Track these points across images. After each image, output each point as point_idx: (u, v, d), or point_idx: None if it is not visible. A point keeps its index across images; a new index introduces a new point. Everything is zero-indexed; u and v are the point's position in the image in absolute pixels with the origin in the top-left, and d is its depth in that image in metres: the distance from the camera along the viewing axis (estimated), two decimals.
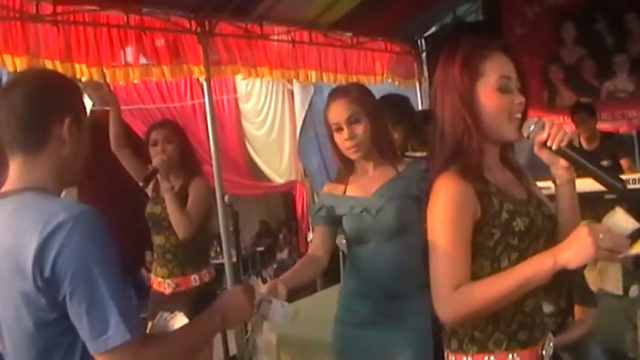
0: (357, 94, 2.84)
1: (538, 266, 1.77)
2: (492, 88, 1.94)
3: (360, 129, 2.78)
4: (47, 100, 1.83)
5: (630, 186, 5.57)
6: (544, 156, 1.95)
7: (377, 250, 2.83)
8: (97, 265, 1.65)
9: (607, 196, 5.32)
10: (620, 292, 1.84)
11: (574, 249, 1.72)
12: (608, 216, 1.80)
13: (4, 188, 1.82)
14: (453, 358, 1.99)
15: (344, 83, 7.30)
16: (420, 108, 8.31)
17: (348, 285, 3.01)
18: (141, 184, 3.92)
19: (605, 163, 6.12)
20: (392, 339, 2.80)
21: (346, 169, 2.93)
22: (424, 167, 2.80)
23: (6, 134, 1.82)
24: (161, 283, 4.09)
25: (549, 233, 2.00)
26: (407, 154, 4.06)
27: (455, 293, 1.81)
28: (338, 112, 2.80)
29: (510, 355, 1.93)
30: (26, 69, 4.12)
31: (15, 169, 1.83)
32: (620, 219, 1.77)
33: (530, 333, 1.97)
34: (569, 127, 6.89)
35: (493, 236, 1.89)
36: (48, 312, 1.67)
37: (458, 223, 1.86)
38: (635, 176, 5.71)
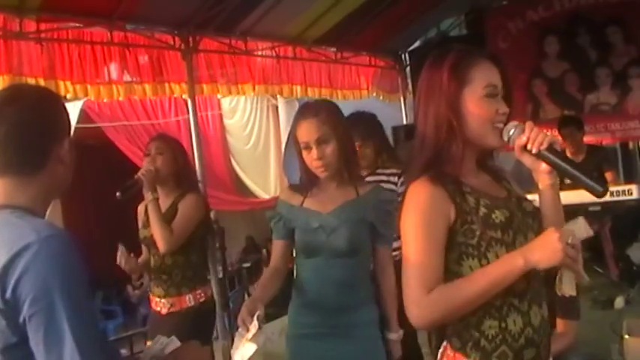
0: (328, 115, 2.88)
1: (509, 265, 1.80)
2: (479, 95, 1.93)
3: (329, 150, 2.84)
4: (48, 120, 1.76)
5: (614, 198, 5.61)
6: (525, 160, 1.94)
7: (326, 265, 2.90)
8: (59, 292, 1.58)
9: (591, 209, 5.37)
10: (574, 293, 1.87)
11: (544, 252, 1.76)
12: (571, 223, 1.85)
13: None
14: (452, 354, 1.97)
15: (329, 99, 7.35)
16: (404, 122, 8.35)
17: (297, 299, 3.05)
18: (118, 195, 3.84)
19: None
20: (344, 348, 2.88)
21: (309, 183, 2.97)
22: (385, 198, 2.98)
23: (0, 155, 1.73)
24: (158, 303, 4.05)
25: (536, 231, 1.98)
26: (378, 170, 4.11)
27: (428, 297, 1.82)
28: (308, 132, 2.85)
29: None
30: (16, 84, 4.03)
31: (1, 188, 1.74)
32: (581, 227, 1.83)
33: (537, 352, 1.94)
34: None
35: (474, 232, 1.88)
36: (9, 335, 1.61)
37: (429, 228, 1.87)
38: (619, 188, 5.76)
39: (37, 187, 1.76)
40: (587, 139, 7.25)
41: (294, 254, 3.08)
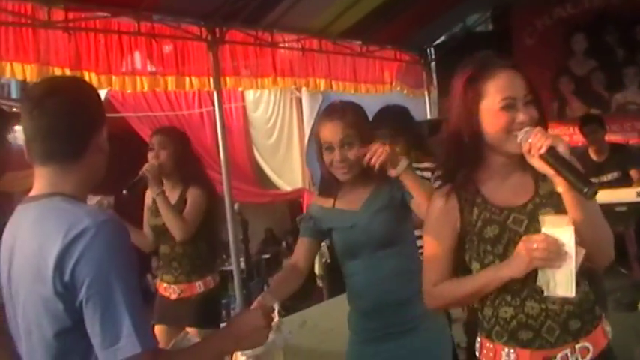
0: (353, 117, 2.84)
1: (491, 276, 2.05)
2: (496, 108, 1.98)
3: (352, 153, 2.79)
4: (89, 110, 1.84)
5: None
6: (535, 165, 1.94)
7: (369, 262, 2.86)
8: (115, 275, 1.65)
9: (618, 209, 5.32)
10: (572, 294, 1.89)
11: (513, 263, 1.97)
12: (549, 226, 1.93)
13: (32, 193, 1.83)
14: (492, 346, 2.12)
15: (353, 92, 7.33)
16: (428, 117, 8.30)
17: (354, 305, 3.02)
18: (124, 192, 3.87)
19: (615, 174, 6.12)
20: (408, 344, 2.83)
21: (334, 183, 2.94)
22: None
23: (42, 145, 1.80)
24: (167, 288, 4.14)
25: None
26: (412, 165, 4.03)
27: (433, 289, 2.19)
28: (332, 134, 2.81)
29: (506, 349, 2.07)
30: (54, 77, 4.04)
31: (45, 177, 1.82)
32: (554, 222, 1.92)
33: (535, 334, 2.02)
34: (577, 137, 6.88)
35: (473, 243, 2.10)
36: (66, 319, 1.67)
37: (436, 234, 2.19)
38: None
39: (78, 175, 1.83)
40: (614, 138, 7.18)
41: (340, 263, 3.05)
